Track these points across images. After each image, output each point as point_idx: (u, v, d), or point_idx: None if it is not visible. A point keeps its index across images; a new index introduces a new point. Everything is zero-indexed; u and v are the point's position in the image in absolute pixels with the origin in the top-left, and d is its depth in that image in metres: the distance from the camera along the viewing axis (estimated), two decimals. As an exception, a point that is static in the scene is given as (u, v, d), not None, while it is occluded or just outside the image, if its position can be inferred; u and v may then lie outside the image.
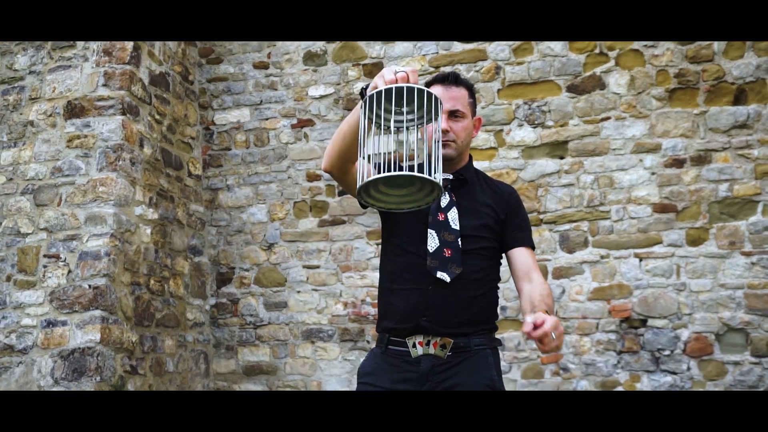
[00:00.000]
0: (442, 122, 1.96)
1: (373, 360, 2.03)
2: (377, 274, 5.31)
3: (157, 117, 5.13)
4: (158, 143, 5.12)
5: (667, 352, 4.75)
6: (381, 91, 1.57)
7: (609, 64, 4.98)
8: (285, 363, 5.45)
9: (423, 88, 1.59)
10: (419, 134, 1.69)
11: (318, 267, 5.45)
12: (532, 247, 2.05)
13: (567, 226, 4.98)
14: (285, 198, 5.55)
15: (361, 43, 5.46)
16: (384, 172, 1.56)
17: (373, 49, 5.43)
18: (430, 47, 5.33)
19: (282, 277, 5.52)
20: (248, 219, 5.61)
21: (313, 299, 5.44)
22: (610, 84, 4.98)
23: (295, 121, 5.56)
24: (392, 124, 1.63)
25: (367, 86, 1.75)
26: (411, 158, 1.87)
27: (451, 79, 2.05)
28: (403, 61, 5.37)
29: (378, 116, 1.61)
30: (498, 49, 5.20)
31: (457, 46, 5.28)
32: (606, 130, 4.96)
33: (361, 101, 1.68)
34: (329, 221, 5.45)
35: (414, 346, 1.95)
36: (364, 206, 1.71)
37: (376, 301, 5.26)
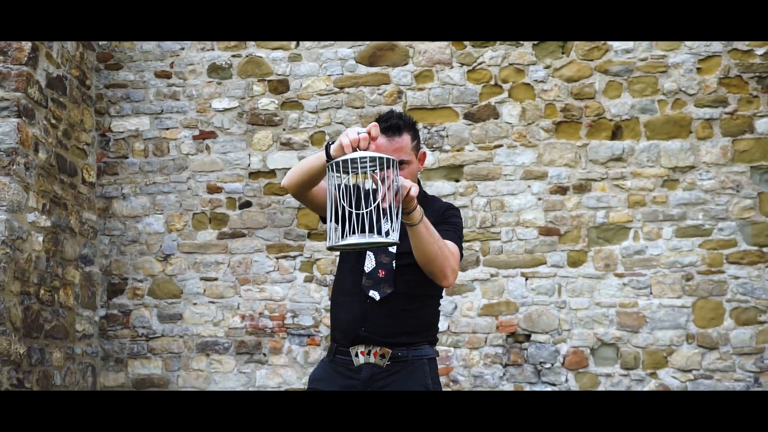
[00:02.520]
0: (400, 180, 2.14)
1: (323, 368, 2.21)
2: (276, 288, 5.40)
3: (53, 121, 4.97)
4: (53, 148, 4.96)
5: (548, 365, 5.12)
6: (346, 159, 1.81)
7: (503, 95, 5.34)
8: (178, 376, 5.39)
9: (382, 155, 1.84)
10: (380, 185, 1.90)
11: (216, 279, 5.44)
12: (455, 244, 2.16)
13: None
14: (184, 209, 5.51)
15: (267, 60, 5.54)
16: (348, 227, 1.82)
17: (279, 66, 5.53)
18: (335, 68, 5.49)
19: (178, 288, 5.46)
20: (144, 229, 5.52)
21: (209, 311, 5.42)
22: (504, 114, 5.33)
23: (197, 133, 5.54)
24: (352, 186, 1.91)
25: (332, 141, 1.97)
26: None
27: (394, 130, 2.14)
28: (309, 80, 5.49)
29: (343, 173, 1.86)
30: (401, 74, 5.44)
31: (362, 69, 5.47)
32: (498, 156, 5.31)
33: (326, 156, 1.97)
34: (229, 234, 5.47)
35: (356, 355, 2.12)
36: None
37: (276, 314, 5.31)
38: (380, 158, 1.83)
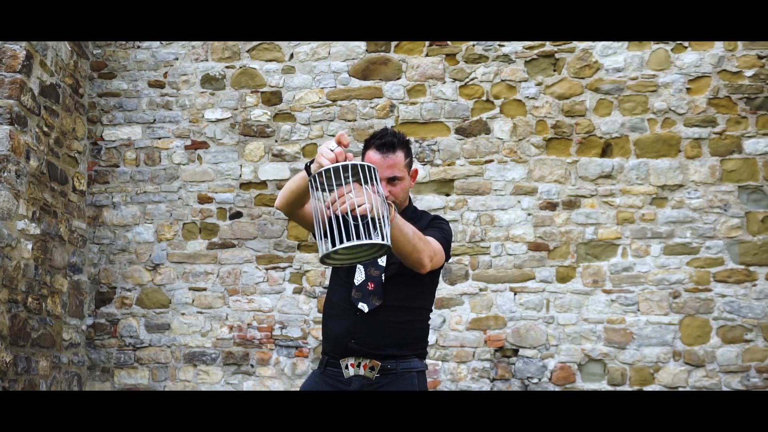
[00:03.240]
0: (383, 189, 2.15)
1: (313, 379, 2.27)
2: (265, 299, 5.40)
3: (45, 129, 4.97)
4: (45, 156, 4.96)
5: (535, 380, 5.14)
6: (328, 169, 1.82)
7: (494, 111, 5.38)
8: (164, 386, 5.37)
9: (358, 162, 1.85)
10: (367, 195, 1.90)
11: (205, 289, 5.43)
12: (438, 242, 2.18)
13: (450, 260, 5.29)
14: (174, 219, 5.51)
15: (261, 71, 5.56)
16: (336, 236, 1.81)
17: (272, 78, 5.55)
18: (328, 81, 5.51)
19: (166, 298, 5.45)
20: (133, 238, 5.51)
21: (197, 322, 5.41)
22: (495, 129, 5.37)
23: (189, 143, 5.55)
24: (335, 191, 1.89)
25: (311, 161, 2.00)
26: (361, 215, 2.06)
27: (388, 147, 2.19)
28: (302, 92, 5.52)
29: (327, 188, 1.87)
30: (393, 89, 5.47)
31: (355, 83, 5.50)
32: (489, 171, 5.34)
33: (307, 173, 1.98)
34: (219, 244, 5.46)
35: (346, 367, 2.17)
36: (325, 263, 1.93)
37: (264, 325, 5.30)
38: (361, 166, 1.83)
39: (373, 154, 2.20)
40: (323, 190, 1.87)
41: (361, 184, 1.87)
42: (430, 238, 2.16)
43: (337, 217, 1.82)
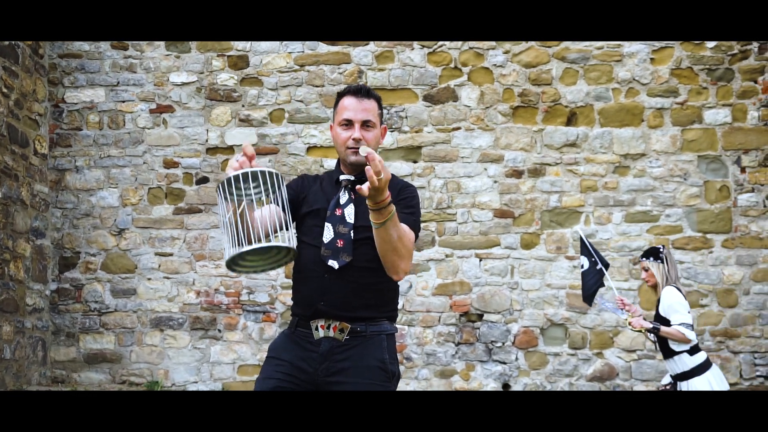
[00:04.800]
0: (356, 132, 2.21)
1: (282, 339, 2.26)
2: (232, 264, 5.39)
3: (5, 90, 4.85)
4: (5, 118, 4.84)
5: (499, 344, 5.25)
6: (229, 178, 1.85)
7: (462, 78, 5.40)
8: (131, 351, 5.36)
9: (264, 169, 1.87)
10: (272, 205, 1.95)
11: (171, 255, 5.41)
12: (413, 229, 2.21)
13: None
14: (139, 183, 5.45)
15: (227, 34, 5.48)
16: (243, 244, 1.85)
17: (239, 42, 5.47)
18: (295, 45, 5.46)
19: (132, 263, 5.41)
20: (98, 203, 5.44)
21: (164, 287, 5.39)
22: (462, 97, 5.40)
23: (153, 106, 5.47)
24: (244, 199, 1.90)
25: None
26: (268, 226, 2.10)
27: (363, 92, 2.24)
28: (269, 56, 5.46)
29: (236, 197, 1.88)
30: (361, 54, 5.44)
31: (323, 47, 5.46)
32: (456, 139, 5.38)
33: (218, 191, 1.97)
34: (185, 209, 5.43)
35: (316, 329, 2.16)
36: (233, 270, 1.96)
37: (232, 291, 5.31)
38: (266, 173, 1.84)
39: (348, 100, 2.23)
40: (232, 200, 1.88)
41: (268, 194, 1.92)
42: (410, 241, 2.16)
43: (243, 224, 1.86)
